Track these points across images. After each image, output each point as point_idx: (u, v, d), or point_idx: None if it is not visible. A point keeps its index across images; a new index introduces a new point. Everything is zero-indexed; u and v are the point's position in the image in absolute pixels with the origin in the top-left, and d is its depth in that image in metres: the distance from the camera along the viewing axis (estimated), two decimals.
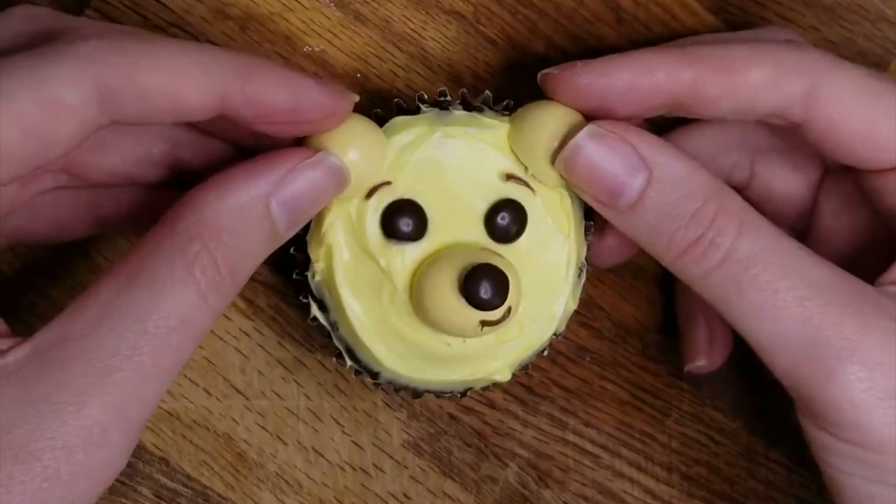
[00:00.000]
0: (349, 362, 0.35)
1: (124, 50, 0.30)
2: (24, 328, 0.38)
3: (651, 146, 0.33)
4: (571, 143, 0.33)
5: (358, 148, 0.33)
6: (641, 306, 0.42)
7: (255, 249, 0.31)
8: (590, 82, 0.34)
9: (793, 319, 0.33)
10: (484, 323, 0.33)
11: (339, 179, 0.33)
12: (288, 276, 0.38)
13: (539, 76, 0.35)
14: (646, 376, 0.42)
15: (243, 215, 0.31)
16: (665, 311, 0.42)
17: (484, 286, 0.32)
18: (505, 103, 0.36)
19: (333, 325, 0.35)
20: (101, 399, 0.28)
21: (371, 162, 0.33)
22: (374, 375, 0.35)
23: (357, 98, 0.33)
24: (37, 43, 0.30)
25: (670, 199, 0.33)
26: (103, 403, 0.29)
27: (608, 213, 0.34)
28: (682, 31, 0.41)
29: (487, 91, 0.36)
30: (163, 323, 0.29)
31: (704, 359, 0.41)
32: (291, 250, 0.35)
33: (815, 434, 0.35)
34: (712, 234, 0.33)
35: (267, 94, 0.31)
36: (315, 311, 0.35)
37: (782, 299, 0.33)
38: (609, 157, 0.33)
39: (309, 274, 0.34)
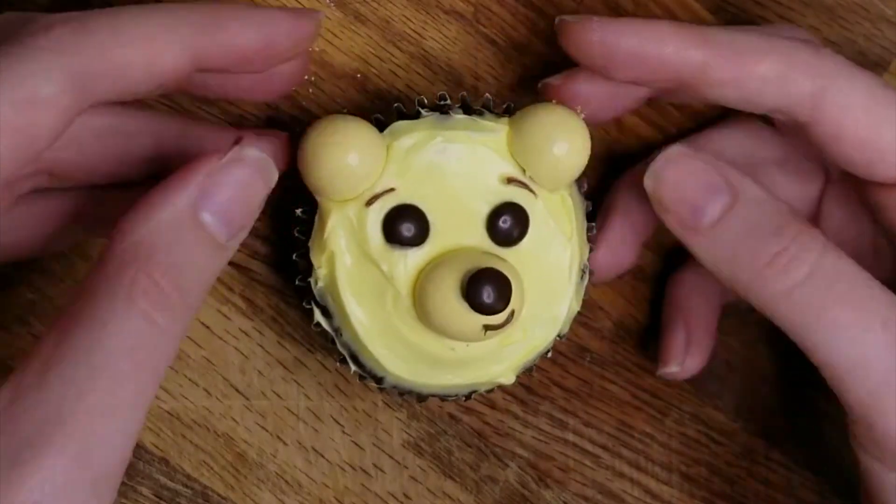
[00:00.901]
0: (353, 367, 0.35)
1: (89, 30, 0.29)
2: (22, 327, 0.38)
3: (731, 167, 0.34)
4: (661, 158, 0.34)
5: (356, 151, 0.33)
6: (642, 306, 0.42)
7: (198, 262, 0.30)
8: (601, 39, 0.34)
9: (877, 344, 0.32)
10: (487, 327, 0.33)
11: (266, 172, 0.31)
12: (288, 277, 0.38)
13: (557, 22, 0.35)
14: (646, 376, 0.42)
15: (174, 231, 0.29)
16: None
17: (487, 290, 0.32)
18: (505, 106, 0.36)
19: (337, 330, 0.35)
20: (57, 452, 0.26)
21: (370, 164, 0.33)
22: (379, 380, 0.35)
23: (321, 15, 0.33)
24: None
25: (754, 217, 0.33)
26: (61, 456, 0.26)
27: (686, 234, 0.34)
28: None
29: (487, 94, 0.36)
30: (110, 355, 0.27)
31: (677, 366, 0.40)
32: (294, 256, 0.35)
33: (872, 466, 0.34)
34: (796, 249, 0.33)
35: (237, 38, 0.31)
36: (318, 316, 0.35)
37: (868, 321, 0.32)
38: (695, 175, 0.34)
39: (311, 280, 0.34)
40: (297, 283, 0.35)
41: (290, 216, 0.36)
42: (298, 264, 0.35)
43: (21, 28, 0.29)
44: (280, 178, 0.38)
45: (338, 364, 0.35)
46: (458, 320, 0.33)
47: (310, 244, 0.34)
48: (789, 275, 0.33)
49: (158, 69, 0.30)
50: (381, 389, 0.35)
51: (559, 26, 0.35)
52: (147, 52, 0.30)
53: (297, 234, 0.35)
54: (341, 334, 0.35)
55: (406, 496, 0.40)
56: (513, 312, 0.33)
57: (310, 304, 0.35)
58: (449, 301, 0.33)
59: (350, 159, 0.33)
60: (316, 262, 0.34)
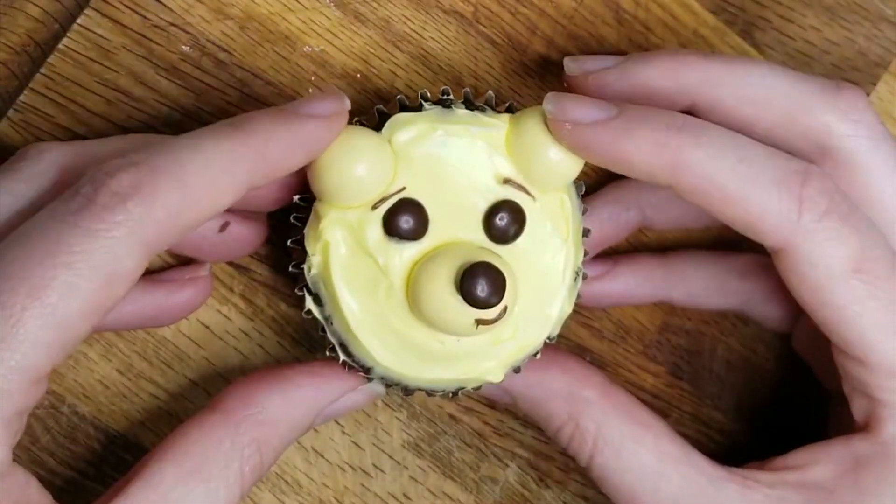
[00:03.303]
0: (342, 357, 0.35)
1: (159, 196, 0.30)
2: None
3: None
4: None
5: (365, 162, 0.33)
6: (642, 306, 0.42)
7: (289, 444, 0.35)
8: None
9: None
10: (479, 321, 0.33)
11: (372, 400, 0.37)
12: (287, 276, 0.38)
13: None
14: (646, 377, 0.42)
15: (297, 420, 0.35)
16: (665, 312, 0.42)
17: (481, 284, 0.32)
18: (507, 104, 0.36)
19: (328, 319, 0.35)
20: None
21: (377, 176, 0.33)
22: (367, 371, 0.35)
23: (348, 104, 0.34)
24: (61, 186, 0.32)
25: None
26: None
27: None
28: (682, 31, 0.41)
29: (490, 91, 0.36)
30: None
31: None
32: (289, 242, 0.35)
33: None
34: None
35: (283, 163, 0.33)
36: (310, 304, 0.35)
37: None
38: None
39: (305, 267, 0.34)
40: (290, 269, 0.35)
41: (289, 224, 0.36)
42: (292, 251, 0.35)
43: (91, 191, 0.30)
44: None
45: (327, 353, 0.35)
46: (451, 313, 0.33)
47: (305, 231, 0.34)
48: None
49: (220, 210, 0.32)
50: (369, 380, 0.35)
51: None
52: (212, 204, 0.31)
53: (293, 221, 0.35)
54: (332, 323, 0.35)
55: (406, 496, 0.40)
56: (505, 308, 0.33)
57: (302, 290, 0.35)
58: (442, 293, 0.33)
59: (359, 173, 0.33)
60: (310, 249, 0.34)
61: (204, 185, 0.31)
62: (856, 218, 0.34)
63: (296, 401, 0.35)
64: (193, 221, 0.31)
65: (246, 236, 0.37)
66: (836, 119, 0.36)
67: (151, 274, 0.38)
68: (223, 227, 0.36)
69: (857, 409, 0.36)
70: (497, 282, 0.32)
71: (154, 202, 0.30)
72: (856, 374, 0.36)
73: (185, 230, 0.31)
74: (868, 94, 0.43)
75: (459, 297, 0.32)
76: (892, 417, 0.35)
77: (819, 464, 0.36)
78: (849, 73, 0.43)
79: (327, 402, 0.35)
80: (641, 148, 0.34)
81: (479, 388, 0.36)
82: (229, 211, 0.34)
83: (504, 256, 0.34)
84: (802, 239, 0.34)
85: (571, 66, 0.38)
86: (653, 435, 0.36)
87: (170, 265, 0.38)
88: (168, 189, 0.30)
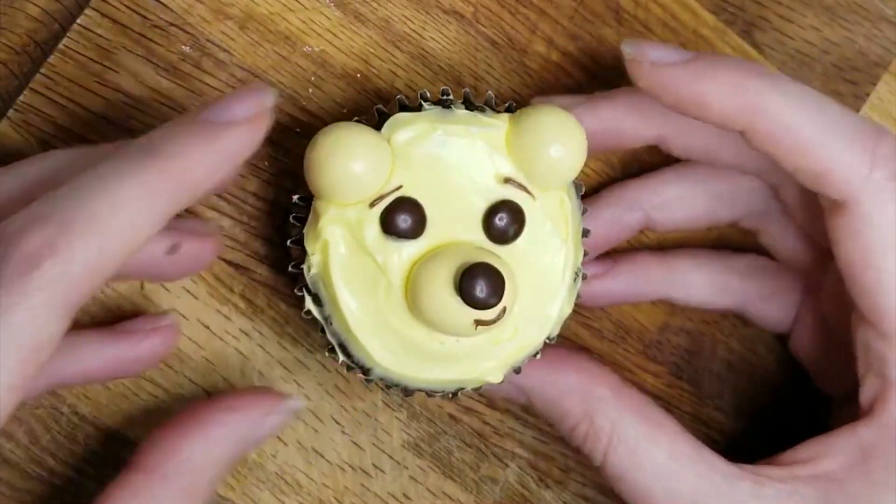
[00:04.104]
0: (342, 357, 0.35)
1: (76, 254, 0.28)
2: None
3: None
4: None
5: (363, 159, 0.33)
6: (642, 306, 0.42)
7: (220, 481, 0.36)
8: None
9: None
10: (478, 322, 0.33)
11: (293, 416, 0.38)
12: (287, 276, 0.38)
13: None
14: (646, 377, 0.42)
15: (224, 458, 0.35)
16: (665, 312, 0.42)
17: (480, 285, 0.32)
18: (507, 104, 0.36)
19: (327, 319, 0.35)
20: None
21: (375, 173, 0.33)
22: (366, 371, 0.35)
23: (272, 98, 0.32)
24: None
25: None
26: None
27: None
28: (682, 30, 0.41)
29: (490, 92, 0.36)
30: None
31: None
32: (288, 242, 0.35)
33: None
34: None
35: (206, 182, 0.30)
36: (309, 304, 0.35)
37: None
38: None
39: (304, 267, 0.34)
40: (289, 269, 0.35)
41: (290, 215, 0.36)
42: (292, 251, 0.35)
43: (4, 257, 0.28)
44: (278, 175, 0.39)
45: (326, 353, 0.35)
46: (450, 314, 0.33)
47: (305, 231, 0.34)
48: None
49: (142, 246, 0.30)
50: (368, 381, 0.35)
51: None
52: (135, 244, 0.29)
53: (292, 221, 0.35)
54: (331, 323, 0.35)
55: (406, 496, 0.40)
56: (504, 309, 0.33)
57: (301, 291, 0.35)
58: (441, 294, 0.33)
59: (356, 169, 0.33)
60: (310, 249, 0.34)
61: (122, 229, 0.29)
62: None
63: (219, 439, 0.35)
64: (117, 265, 0.29)
65: (199, 252, 0.36)
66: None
67: (114, 325, 0.37)
68: (173, 250, 0.35)
69: (867, 391, 0.36)
70: (496, 282, 0.32)
71: (71, 260, 0.28)
72: (876, 349, 0.36)
73: (109, 276, 0.29)
74: (868, 95, 0.43)
75: (458, 298, 0.32)
76: None
77: (828, 455, 0.36)
78: (849, 73, 0.43)
79: (250, 432, 0.35)
80: (720, 89, 0.34)
81: (479, 388, 0.36)
82: (179, 230, 0.33)
83: (503, 256, 0.34)
84: (868, 196, 0.34)
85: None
86: (666, 434, 0.36)
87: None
88: (84, 244, 0.28)
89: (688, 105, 0.35)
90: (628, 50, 0.36)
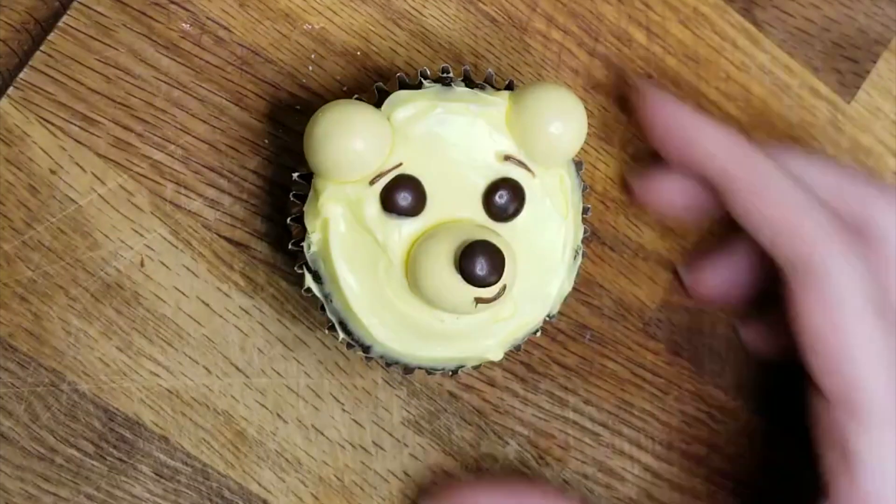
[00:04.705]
0: (342, 335, 0.35)
1: None
2: (21, 303, 0.38)
3: None
4: None
5: (362, 136, 0.33)
6: (642, 284, 0.42)
7: None
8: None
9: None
10: (478, 300, 0.33)
11: None
12: (287, 254, 0.38)
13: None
14: (646, 354, 0.42)
15: None
16: (665, 289, 0.42)
17: (480, 262, 0.32)
18: (507, 82, 0.36)
19: (327, 296, 0.35)
20: None
21: (375, 151, 0.33)
22: (366, 349, 0.35)
23: None
24: None
25: None
26: None
27: None
28: (683, 8, 0.41)
29: (490, 69, 0.36)
30: None
31: (690, 274, 0.41)
32: (288, 220, 0.35)
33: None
34: None
35: None
36: (309, 282, 0.35)
37: None
38: None
39: (305, 245, 0.34)
40: (289, 247, 0.35)
41: (290, 192, 0.36)
42: (292, 228, 0.35)
43: None
44: (278, 152, 0.39)
45: (326, 331, 0.35)
46: (450, 291, 0.33)
47: (305, 209, 0.34)
48: None
49: None
50: (368, 358, 0.35)
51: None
52: None
53: (292, 198, 0.35)
54: (331, 301, 0.35)
55: (406, 474, 0.40)
56: (504, 287, 0.33)
57: (301, 268, 0.35)
58: (442, 272, 0.33)
59: (356, 146, 0.33)
60: (310, 227, 0.34)
61: None
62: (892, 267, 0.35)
63: None
64: None
65: None
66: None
67: None
68: None
69: (828, 465, 0.36)
70: (496, 260, 0.32)
71: None
72: (836, 420, 0.35)
73: None
74: (868, 72, 0.43)
75: (458, 276, 0.32)
76: (869, 471, 0.35)
77: None
78: (849, 50, 0.43)
79: None
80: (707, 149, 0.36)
81: (478, 366, 0.36)
82: None
83: (503, 234, 0.34)
84: (840, 262, 0.34)
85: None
86: None
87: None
88: None
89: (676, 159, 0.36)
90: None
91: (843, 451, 0.35)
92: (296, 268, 0.35)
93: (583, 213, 0.36)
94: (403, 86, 0.35)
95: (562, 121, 0.34)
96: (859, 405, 0.35)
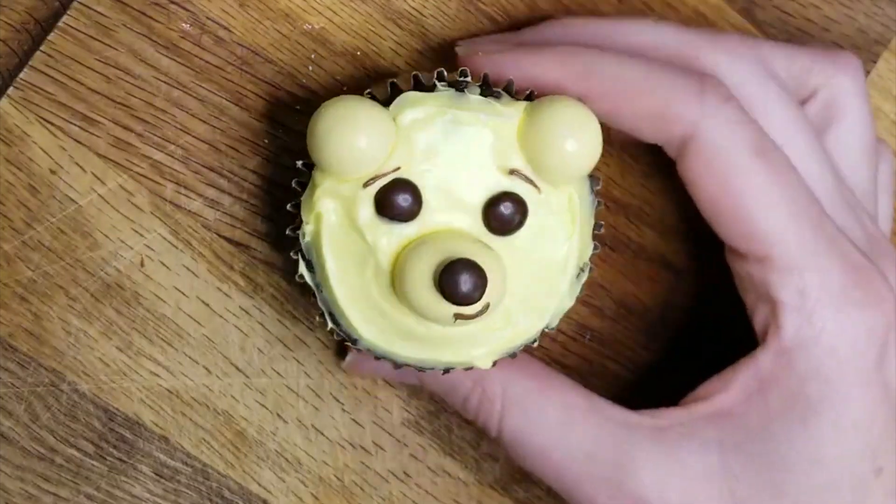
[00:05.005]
0: (330, 324, 0.35)
1: None
2: (21, 303, 0.38)
3: None
4: None
5: (366, 135, 0.32)
6: (643, 285, 0.42)
7: None
8: (490, 69, 0.35)
9: None
10: (458, 316, 0.32)
11: None
12: (287, 255, 0.38)
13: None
14: (647, 355, 0.42)
15: None
16: (666, 290, 0.42)
17: (459, 282, 0.31)
18: (528, 92, 0.35)
19: (318, 286, 0.34)
20: None
21: (378, 149, 0.33)
22: (354, 342, 0.35)
23: None
24: None
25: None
26: None
27: None
28: (682, 8, 0.41)
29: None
30: None
31: None
32: (288, 206, 0.35)
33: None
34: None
35: None
36: (303, 269, 0.34)
37: None
38: None
39: (301, 233, 0.34)
40: (287, 232, 0.35)
41: (290, 193, 0.36)
42: (291, 214, 0.35)
43: None
44: (278, 152, 0.39)
45: (317, 318, 0.35)
46: (430, 306, 0.32)
47: (302, 198, 0.34)
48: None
49: None
50: (358, 351, 0.35)
51: (456, 53, 0.37)
52: None
53: (294, 185, 0.35)
54: (321, 291, 0.34)
55: (406, 474, 0.40)
56: (488, 305, 0.32)
57: (296, 254, 0.35)
58: (422, 285, 0.32)
59: (358, 144, 0.32)
60: (305, 217, 0.34)
61: None
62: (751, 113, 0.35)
63: None
64: None
65: None
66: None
67: None
68: None
69: (759, 320, 0.36)
70: (477, 280, 0.31)
71: None
72: (757, 276, 0.35)
73: None
74: (868, 72, 0.43)
75: (438, 293, 0.32)
76: (792, 319, 0.35)
77: (726, 390, 0.35)
78: (849, 50, 0.42)
79: None
80: (546, 63, 0.35)
81: (469, 368, 0.35)
82: None
83: (501, 248, 0.33)
84: (707, 123, 0.34)
85: (462, 50, 0.38)
86: (557, 389, 0.36)
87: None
88: None
89: (522, 80, 0.35)
90: (461, 51, 0.37)
91: (770, 303, 0.35)
92: (291, 253, 0.35)
93: (594, 230, 0.35)
94: (417, 84, 0.34)
95: (577, 139, 0.33)
96: (774, 258, 0.35)
